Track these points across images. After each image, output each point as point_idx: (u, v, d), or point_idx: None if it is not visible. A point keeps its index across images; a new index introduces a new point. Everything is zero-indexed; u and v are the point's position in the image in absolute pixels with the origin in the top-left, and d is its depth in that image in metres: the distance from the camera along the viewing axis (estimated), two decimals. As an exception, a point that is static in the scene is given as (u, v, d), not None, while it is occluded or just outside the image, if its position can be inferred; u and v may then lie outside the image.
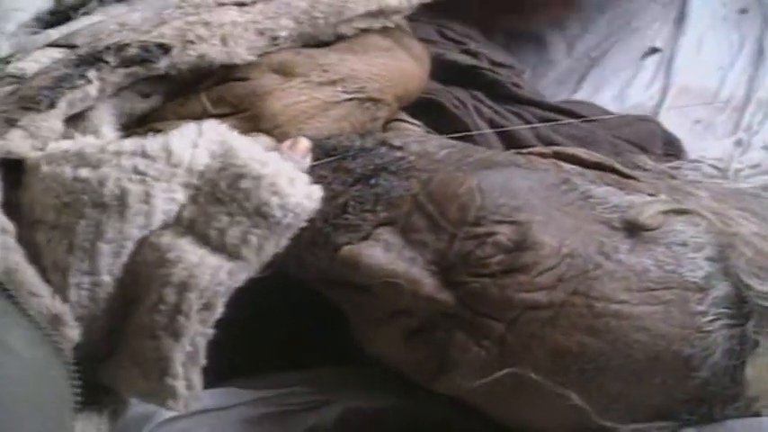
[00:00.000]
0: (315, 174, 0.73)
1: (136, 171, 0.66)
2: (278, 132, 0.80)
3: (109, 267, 0.66)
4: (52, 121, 0.74)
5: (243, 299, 0.67)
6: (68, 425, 0.63)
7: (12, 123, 0.72)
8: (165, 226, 0.67)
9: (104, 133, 0.77)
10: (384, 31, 0.91)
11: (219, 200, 0.67)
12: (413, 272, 0.72)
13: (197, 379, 0.66)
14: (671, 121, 1.18)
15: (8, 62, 0.85)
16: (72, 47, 0.84)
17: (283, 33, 0.85)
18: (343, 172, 0.77)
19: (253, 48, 0.83)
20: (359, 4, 0.88)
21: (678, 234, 0.73)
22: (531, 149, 0.85)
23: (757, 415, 0.72)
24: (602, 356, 0.69)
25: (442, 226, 0.73)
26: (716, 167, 0.92)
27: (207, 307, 0.65)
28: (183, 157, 0.68)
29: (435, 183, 0.75)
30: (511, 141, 0.96)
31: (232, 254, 0.67)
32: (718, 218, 0.75)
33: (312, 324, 0.83)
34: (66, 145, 0.71)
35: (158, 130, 0.78)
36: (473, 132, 0.92)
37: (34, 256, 0.66)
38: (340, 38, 0.89)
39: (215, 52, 0.81)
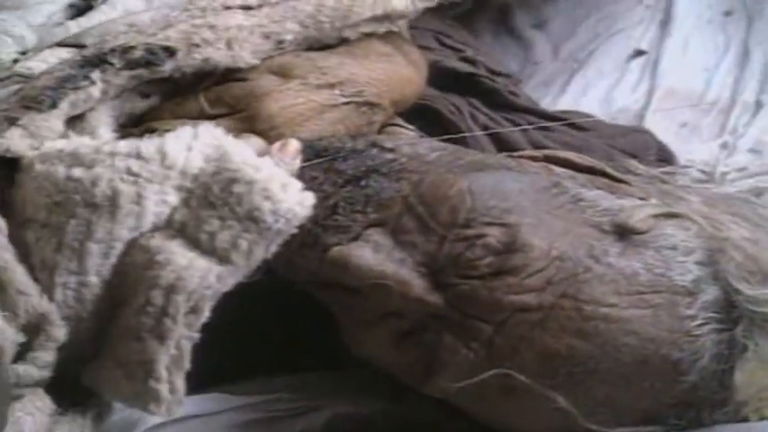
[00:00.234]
0: (305, 175, 0.69)
1: (129, 172, 0.63)
2: (274, 134, 0.76)
3: (97, 268, 0.62)
4: (53, 121, 0.71)
5: (231, 302, 0.63)
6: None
7: (12, 122, 0.69)
8: (156, 228, 0.64)
9: (101, 134, 0.73)
10: (384, 36, 0.87)
11: (212, 203, 0.64)
12: (402, 273, 0.68)
13: (180, 383, 0.62)
14: (657, 124, 1.15)
15: (16, 61, 0.83)
16: (80, 46, 0.80)
17: (289, 37, 0.81)
18: (333, 173, 0.72)
19: (257, 51, 0.79)
20: (365, 8, 0.84)
21: (668, 238, 0.69)
22: (521, 153, 0.81)
23: (746, 420, 0.69)
24: (590, 360, 0.65)
25: (431, 227, 0.69)
26: (704, 172, 0.86)
27: (194, 310, 0.62)
28: (178, 159, 0.64)
29: (426, 184, 0.71)
30: (504, 147, 0.92)
31: (222, 258, 0.63)
32: (708, 222, 0.71)
33: (301, 327, 0.79)
34: (60, 144, 0.67)
35: (155, 130, 0.75)
36: (465, 134, 0.89)
37: (24, 255, 0.63)
38: (343, 41, 0.85)
39: (220, 56, 0.77)
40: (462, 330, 0.66)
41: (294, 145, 0.69)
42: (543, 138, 0.96)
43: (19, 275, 0.61)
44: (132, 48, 0.75)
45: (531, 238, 0.66)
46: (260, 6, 0.82)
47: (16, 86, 0.75)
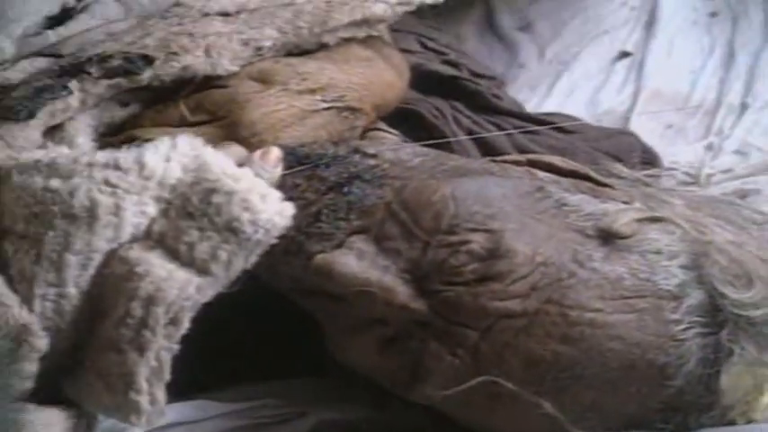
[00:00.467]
0: (288, 182, 0.69)
1: (107, 183, 0.63)
2: (256, 140, 0.76)
3: (75, 279, 0.62)
4: (30, 131, 0.71)
5: (211, 310, 0.63)
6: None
7: (-11, 133, 0.69)
8: (135, 239, 0.63)
9: (79, 144, 0.73)
10: (364, 40, 0.87)
11: (190, 214, 0.63)
12: (386, 280, 0.67)
13: (161, 394, 0.62)
14: (643, 125, 1.16)
15: (-7, 73, 0.82)
16: (58, 56, 0.80)
17: (268, 43, 0.81)
18: (316, 180, 0.72)
19: (237, 58, 0.79)
20: (343, 13, 0.84)
21: (652, 242, 0.69)
22: (505, 157, 0.81)
23: (732, 424, 0.68)
24: (576, 365, 0.65)
25: (415, 234, 0.69)
26: (688, 174, 0.86)
27: (173, 322, 0.61)
28: (156, 170, 0.64)
29: (409, 191, 0.71)
30: (488, 151, 0.92)
31: (201, 269, 0.62)
32: (692, 226, 0.70)
33: (285, 334, 0.78)
34: (38, 155, 0.66)
35: (135, 138, 0.75)
36: (450, 139, 0.89)
37: (2, 266, 0.62)
38: (323, 47, 0.85)
39: (198, 63, 0.77)
40: (447, 337, 0.66)
41: (275, 153, 0.69)
42: (528, 141, 0.96)
43: None
44: (110, 56, 0.75)
45: (515, 243, 0.66)
46: (238, 13, 0.83)
47: (-7, 97, 0.74)
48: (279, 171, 0.68)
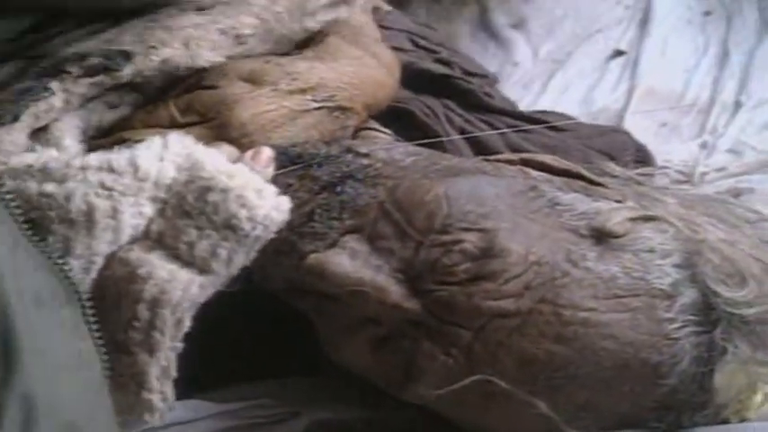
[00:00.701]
0: (280, 182, 0.69)
1: (103, 186, 0.63)
2: (246, 141, 0.76)
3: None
4: (16, 135, 0.71)
5: (208, 310, 0.64)
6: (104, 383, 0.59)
7: (-25, 138, 0.69)
8: (134, 240, 0.64)
9: (67, 145, 0.73)
10: (354, 39, 0.87)
11: (187, 213, 0.64)
12: (379, 280, 0.68)
13: (170, 391, 0.64)
14: (637, 124, 1.16)
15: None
16: (38, 57, 0.80)
17: (247, 31, 0.81)
18: (309, 180, 0.73)
19: (216, 48, 0.79)
20: None
21: (645, 241, 0.70)
22: (498, 156, 0.82)
23: (726, 422, 0.69)
24: (569, 364, 0.66)
25: (408, 233, 0.69)
26: (682, 172, 0.87)
27: (177, 321, 0.62)
28: (150, 171, 0.64)
29: (402, 190, 0.71)
30: (481, 150, 0.92)
31: (202, 268, 0.64)
32: (685, 224, 0.71)
33: (279, 334, 0.79)
34: (29, 159, 0.67)
35: (125, 140, 0.75)
36: (443, 138, 0.89)
37: None
38: (310, 38, 0.85)
39: (178, 56, 0.77)
40: (440, 337, 0.67)
41: (267, 153, 0.70)
42: (520, 139, 0.96)
43: None
44: (88, 55, 0.75)
45: (508, 243, 0.67)
46: (213, 6, 0.82)
47: (-23, 103, 0.74)
48: (271, 171, 0.69)
